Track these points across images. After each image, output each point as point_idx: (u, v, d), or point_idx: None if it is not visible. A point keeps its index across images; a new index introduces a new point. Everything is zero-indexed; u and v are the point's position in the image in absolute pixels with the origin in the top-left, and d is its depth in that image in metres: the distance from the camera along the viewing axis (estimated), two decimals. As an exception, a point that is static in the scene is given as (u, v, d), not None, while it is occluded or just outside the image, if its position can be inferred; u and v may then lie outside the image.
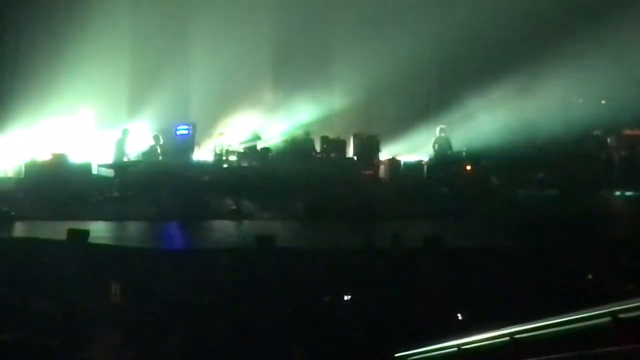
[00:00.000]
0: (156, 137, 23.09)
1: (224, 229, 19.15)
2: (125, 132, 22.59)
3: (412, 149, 24.66)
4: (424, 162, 24.46)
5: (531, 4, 24.95)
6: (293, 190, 21.54)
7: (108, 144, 22.64)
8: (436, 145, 24.18)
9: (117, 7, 23.94)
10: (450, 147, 24.22)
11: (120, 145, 22.38)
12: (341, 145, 25.06)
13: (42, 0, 23.92)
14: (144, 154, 22.93)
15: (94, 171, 22.25)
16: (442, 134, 24.27)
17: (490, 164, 23.97)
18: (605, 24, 24.12)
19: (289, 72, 25.82)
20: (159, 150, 22.96)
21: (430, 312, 13.56)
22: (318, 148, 25.00)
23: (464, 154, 24.06)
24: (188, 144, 24.02)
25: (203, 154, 24.48)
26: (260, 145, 24.73)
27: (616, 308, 5.88)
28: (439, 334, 8.72)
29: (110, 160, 22.37)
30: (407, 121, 24.90)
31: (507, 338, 7.02)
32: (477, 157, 23.93)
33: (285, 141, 24.96)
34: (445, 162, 23.96)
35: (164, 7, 24.82)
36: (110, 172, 22.10)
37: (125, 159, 22.31)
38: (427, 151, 24.48)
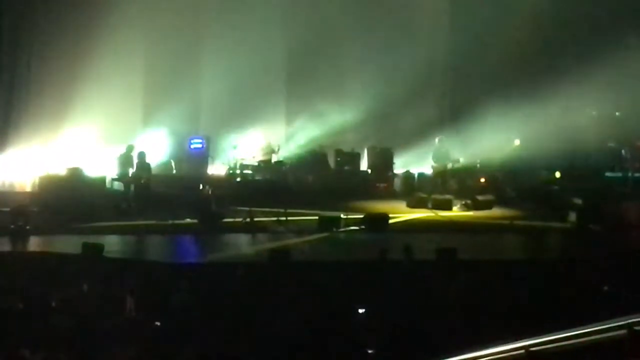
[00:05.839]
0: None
1: (238, 242, 19.16)
2: (129, 148, 22.50)
3: (426, 161, 24.60)
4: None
5: (545, 17, 24.99)
6: (307, 203, 21.50)
7: (113, 159, 22.62)
8: (435, 157, 24.06)
9: (131, 21, 24.05)
10: (449, 158, 24.09)
11: (124, 160, 22.31)
12: (355, 158, 25.07)
13: (56, 17, 24.07)
14: (158, 167, 22.98)
15: (108, 185, 22.32)
16: (441, 145, 24.15)
17: (502, 175, 24.04)
18: (620, 35, 24.12)
19: (303, 85, 25.88)
20: (172, 164, 22.99)
21: (445, 325, 13.50)
22: (332, 161, 25.00)
23: (460, 164, 23.98)
24: (202, 157, 24.07)
25: (217, 167, 24.52)
26: (274, 158, 24.76)
27: (632, 320, 5.87)
28: (453, 347, 8.68)
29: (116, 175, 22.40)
30: (421, 133, 24.87)
31: (522, 351, 7.00)
32: (485, 168, 23.99)
33: (300, 154, 24.97)
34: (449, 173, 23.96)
35: (177, 22, 24.95)
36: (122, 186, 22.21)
37: (130, 174, 22.30)
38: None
